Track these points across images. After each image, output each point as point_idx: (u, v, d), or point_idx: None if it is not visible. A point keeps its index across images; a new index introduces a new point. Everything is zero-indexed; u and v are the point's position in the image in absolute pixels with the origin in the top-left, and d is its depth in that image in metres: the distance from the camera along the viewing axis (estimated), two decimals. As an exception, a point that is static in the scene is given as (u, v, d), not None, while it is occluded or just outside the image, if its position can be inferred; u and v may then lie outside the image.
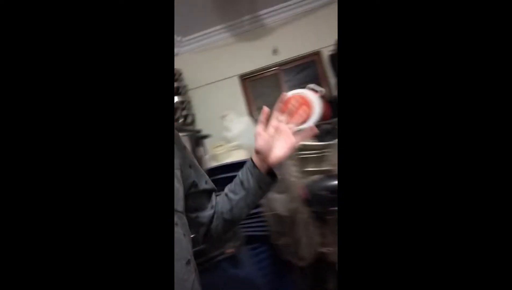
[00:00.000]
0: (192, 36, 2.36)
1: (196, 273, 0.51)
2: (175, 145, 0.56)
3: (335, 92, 2.13)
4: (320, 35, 2.21)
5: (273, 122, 0.59)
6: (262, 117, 0.59)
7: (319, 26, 2.22)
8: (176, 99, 2.25)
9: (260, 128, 0.58)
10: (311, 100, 1.55)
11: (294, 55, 2.31)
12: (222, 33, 2.36)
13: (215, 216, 0.60)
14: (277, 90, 2.33)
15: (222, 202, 0.61)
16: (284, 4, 2.24)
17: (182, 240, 0.48)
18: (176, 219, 0.48)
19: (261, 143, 0.57)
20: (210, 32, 2.35)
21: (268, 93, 2.34)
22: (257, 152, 0.58)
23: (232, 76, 2.40)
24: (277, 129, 0.59)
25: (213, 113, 2.18)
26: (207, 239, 0.63)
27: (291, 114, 0.60)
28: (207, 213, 0.60)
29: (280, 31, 2.32)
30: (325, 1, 2.22)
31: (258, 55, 2.34)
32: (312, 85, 1.76)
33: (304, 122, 1.60)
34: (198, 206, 0.60)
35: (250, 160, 0.60)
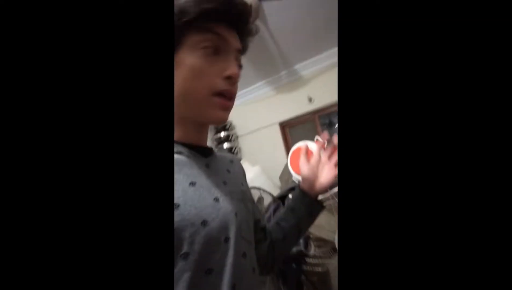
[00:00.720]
0: (239, 92, 2.81)
1: None
2: (244, 180, 0.59)
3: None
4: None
5: (316, 154, 0.64)
6: (303, 151, 0.66)
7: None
8: (226, 145, 2.69)
9: (303, 158, 0.64)
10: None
11: (327, 102, 2.51)
12: (263, 88, 2.74)
13: (270, 247, 0.60)
14: (314, 134, 2.54)
15: (274, 232, 0.61)
16: (315, 58, 2.50)
17: (250, 273, 0.46)
18: (246, 249, 0.46)
19: (306, 171, 0.62)
20: (253, 88, 2.76)
21: (304, 136, 2.58)
22: (304, 179, 0.62)
23: (273, 124, 2.73)
24: (319, 161, 0.64)
25: (257, 156, 2.54)
26: (266, 270, 0.62)
27: (332, 149, 0.65)
28: (265, 244, 0.60)
29: (314, 82, 2.57)
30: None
31: (295, 104, 2.62)
32: (319, 138, 1.90)
33: None
34: (258, 239, 0.58)
35: (298, 189, 0.63)
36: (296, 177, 1.90)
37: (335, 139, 0.64)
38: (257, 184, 1.90)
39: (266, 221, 0.64)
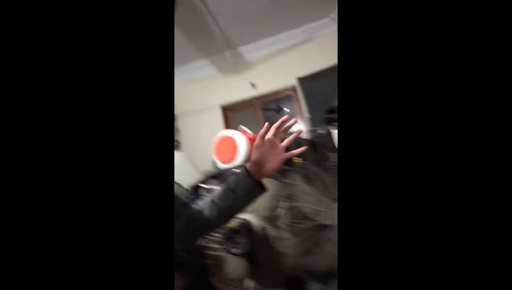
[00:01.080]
0: (181, 68, 2.59)
1: None
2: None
3: (310, 126, 2.25)
4: (297, 71, 2.36)
5: (269, 136, 0.62)
6: (263, 131, 0.62)
7: (296, 63, 2.38)
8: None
9: (260, 141, 0.62)
10: (237, 142, 1.66)
11: (271, 89, 2.47)
12: (205, 66, 2.57)
13: (191, 222, 0.59)
14: (255, 120, 2.51)
15: (208, 209, 0.60)
16: (259, 43, 2.41)
17: None
18: None
19: (259, 155, 0.61)
20: (194, 66, 2.56)
21: (246, 122, 2.52)
22: (254, 163, 0.61)
23: (215, 106, 2.60)
24: (271, 143, 0.62)
25: (197, 140, 2.39)
26: (184, 246, 0.62)
27: (284, 130, 0.64)
28: (181, 221, 0.58)
29: (258, 67, 2.50)
30: (300, 40, 2.37)
31: (238, 88, 2.53)
32: (243, 127, 1.88)
33: (228, 162, 1.62)
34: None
35: (244, 170, 0.61)
36: (220, 165, 1.83)
37: (290, 121, 0.64)
38: (178, 171, 1.77)
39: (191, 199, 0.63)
